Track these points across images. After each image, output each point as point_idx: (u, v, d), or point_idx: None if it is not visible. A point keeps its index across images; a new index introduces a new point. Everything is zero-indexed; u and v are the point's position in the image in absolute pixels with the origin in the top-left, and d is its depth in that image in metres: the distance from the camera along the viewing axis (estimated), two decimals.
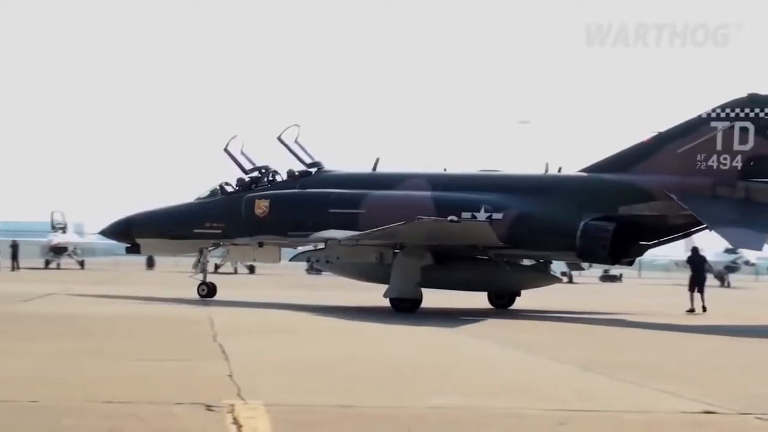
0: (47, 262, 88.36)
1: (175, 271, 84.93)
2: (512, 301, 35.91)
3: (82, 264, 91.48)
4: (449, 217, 30.56)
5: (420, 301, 32.45)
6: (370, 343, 21.74)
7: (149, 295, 38.58)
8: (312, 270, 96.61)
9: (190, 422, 10.24)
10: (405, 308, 31.73)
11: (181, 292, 41.50)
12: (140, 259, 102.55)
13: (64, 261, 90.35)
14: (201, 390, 12.42)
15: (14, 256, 77.31)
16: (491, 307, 35.38)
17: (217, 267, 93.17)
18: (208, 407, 11.00)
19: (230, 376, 13.86)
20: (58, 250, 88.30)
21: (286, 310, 31.75)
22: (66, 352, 17.14)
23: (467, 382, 14.58)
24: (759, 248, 32.20)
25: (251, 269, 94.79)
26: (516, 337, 23.69)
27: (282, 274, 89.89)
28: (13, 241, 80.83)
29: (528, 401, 12.62)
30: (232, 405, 11.16)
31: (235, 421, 10.26)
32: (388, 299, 32.48)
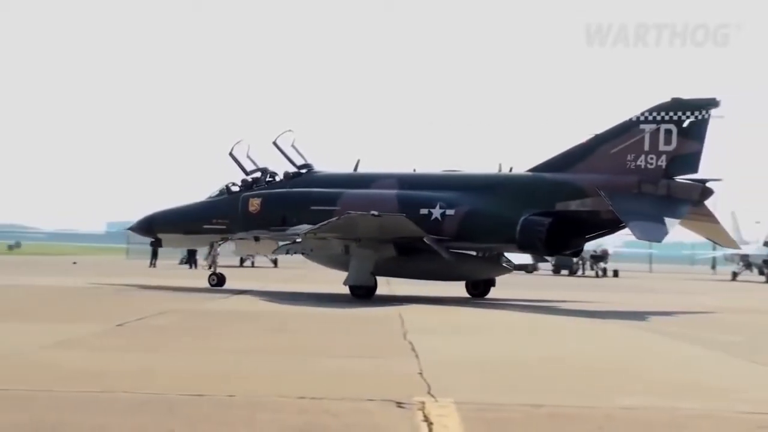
0: (242, 261, 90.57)
1: None
2: (487, 290, 39.17)
3: (275, 262, 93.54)
4: (371, 212, 33.21)
5: (374, 288, 35.60)
6: (558, 341, 21.51)
7: (339, 292, 39.19)
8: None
9: (381, 419, 10.33)
10: (361, 295, 34.87)
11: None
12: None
13: (259, 259, 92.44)
14: (392, 387, 12.51)
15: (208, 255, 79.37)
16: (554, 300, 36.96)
17: None
18: (399, 404, 11.07)
19: (420, 373, 13.92)
20: None
21: (477, 308, 31.74)
22: (261, 348, 17.54)
23: (659, 382, 14.25)
24: (659, 239, 34.60)
25: None
26: (709, 336, 23.04)
27: None
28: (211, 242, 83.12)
29: (725, 403, 12.27)
30: (423, 402, 11.20)
31: (426, 419, 10.30)
32: (347, 287, 35.56)
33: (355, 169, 40.51)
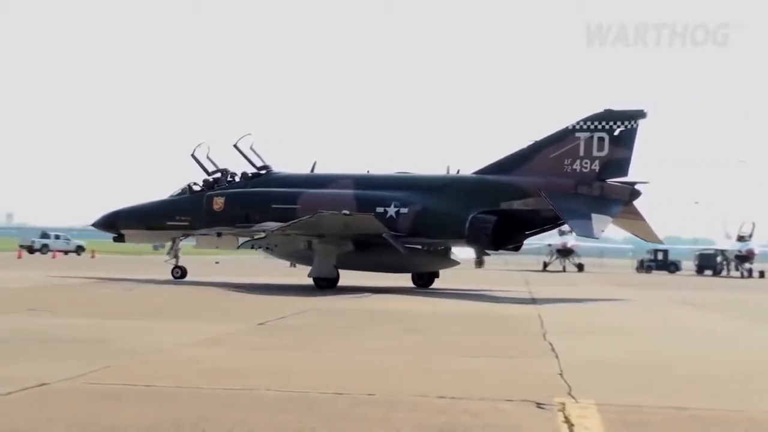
0: None
1: (505, 269, 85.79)
2: (431, 281, 42.31)
3: None
4: (342, 211, 36.32)
5: (337, 280, 38.46)
6: (698, 342, 21.02)
7: (479, 291, 39.26)
8: (642, 268, 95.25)
9: (521, 419, 10.25)
10: (325, 286, 37.63)
11: (509, 288, 41.84)
12: (468, 257, 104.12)
13: None
14: (531, 387, 12.41)
15: None
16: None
17: (546, 265, 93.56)
18: (539, 405, 10.97)
19: (560, 374, 13.78)
20: None
21: (615, 309, 31.37)
22: (398, 347, 17.58)
23: None
24: (597, 236, 37.28)
25: (580, 267, 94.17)
26: None
27: (609, 273, 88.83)
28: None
29: None
30: (563, 403, 11.08)
31: (567, 420, 10.18)
32: (312, 278, 38.48)
33: (312, 170, 43.32)
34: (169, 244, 44.60)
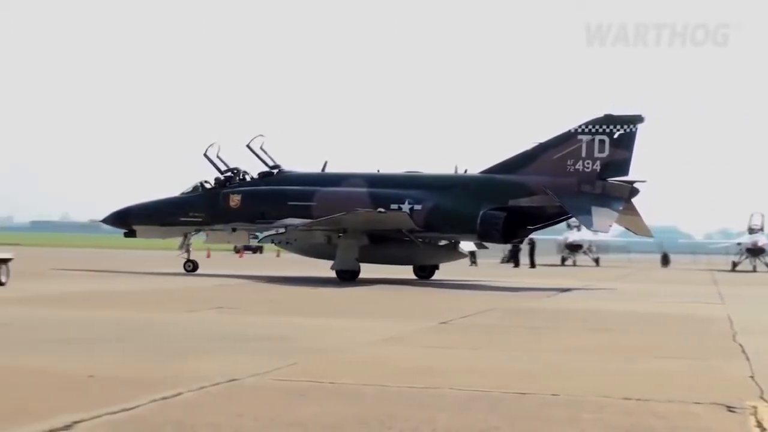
0: (563, 259, 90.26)
1: (692, 269, 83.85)
2: (432, 273, 45.17)
3: (597, 261, 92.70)
4: (378, 209, 39.66)
5: (358, 272, 41.01)
6: None
7: (664, 291, 38.63)
8: None
9: (710, 423, 9.97)
10: (347, 278, 40.14)
11: (697, 288, 40.94)
12: (654, 257, 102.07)
13: (580, 258, 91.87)
14: (720, 390, 12.06)
15: (531, 254, 79.60)
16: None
17: (735, 265, 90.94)
18: (729, 408, 10.66)
19: (752, 377, 13.36)
20: (574, 248, 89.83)
21: None
22: (583, 347, 17.38)
23: None
24: (606, 230, 41.76)
25: (733, 266, 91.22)
26: None
27: None
28: (531, 239, 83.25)
29: None
30: (755, 407, 10.73)
31: (759, 424, 9.85)
32: (334, 271, 40.90)
33: (323, 169, 45.70)
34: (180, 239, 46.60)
